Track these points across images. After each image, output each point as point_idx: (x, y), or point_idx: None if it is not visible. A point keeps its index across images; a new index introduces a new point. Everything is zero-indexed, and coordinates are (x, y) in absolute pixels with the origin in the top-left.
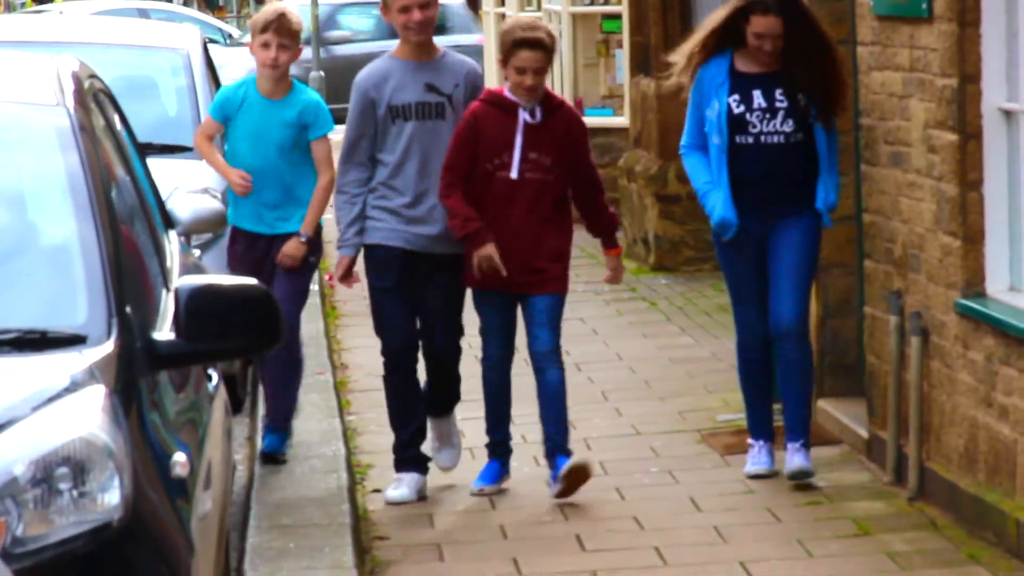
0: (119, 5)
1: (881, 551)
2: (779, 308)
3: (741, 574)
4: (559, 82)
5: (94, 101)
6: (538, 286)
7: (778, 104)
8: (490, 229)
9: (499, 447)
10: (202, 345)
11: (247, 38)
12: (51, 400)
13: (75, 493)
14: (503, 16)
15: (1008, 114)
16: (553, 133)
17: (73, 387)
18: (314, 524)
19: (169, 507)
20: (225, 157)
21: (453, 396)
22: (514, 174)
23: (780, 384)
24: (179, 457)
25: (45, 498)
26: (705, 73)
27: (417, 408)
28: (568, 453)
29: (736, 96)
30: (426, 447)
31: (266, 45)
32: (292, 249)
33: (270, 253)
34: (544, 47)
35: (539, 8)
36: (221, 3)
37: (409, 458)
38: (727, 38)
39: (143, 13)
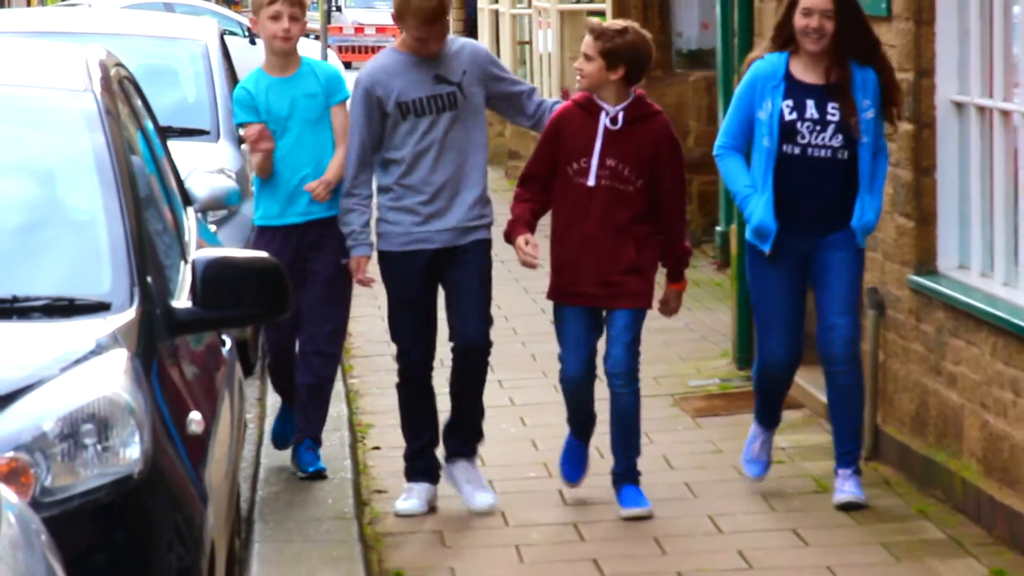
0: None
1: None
2: (831, 335)
3: (710, 527)
4: (548, 73)
5: (119, 87)
6: (612, 300)
7: (830, 117)
8: (561, 235)
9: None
10: (217, 312)
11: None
12: (77, 362)
13: (99, 447)
14: (496, 13)
15: (959, 106)
16: (637, 142)
17: (98, 350)
18: (319, 478)
19: (185, 461)
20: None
21: (476, 421)
22: (591, 181)
23: (832, 410)
24: (195, 415)
25: (71, 452)
26: (759, 72)
27: (430, 419)
28: (635, 481)
29: (789, 102)
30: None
31: (277, 16)
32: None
33: (301, 250)
34: (594, 33)
35: (529, 5)
36: None
37: (420, 468)
38: (789, 37)
39: (168, 7)
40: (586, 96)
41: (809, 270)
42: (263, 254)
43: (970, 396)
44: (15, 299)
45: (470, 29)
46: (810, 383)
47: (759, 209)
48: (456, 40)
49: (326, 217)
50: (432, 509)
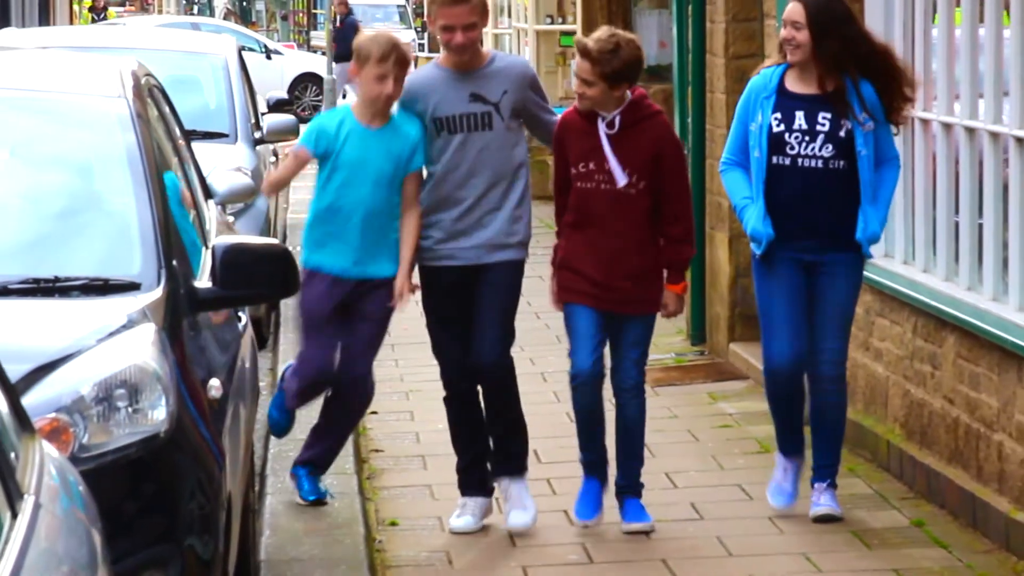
0: (176, 20)
1: None
2: (821, 356)
3: (667, 483)
4: None
5: (149, 94)
6: (618, 305)
7: (819, 127)
8: (567, 235)
9: (592, 467)
10: (233, 292)
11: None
12: (111, 335)
13: (130, 410)
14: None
15: None
16: (636, 144)
17: (129, 324)
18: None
19: (205, 422)
20: (317, 192)
21: (514, 439)
22: (621, 181)
23: (813, 423)
24: (214, 382)
25: (105, 413)
26: (753, 87)
27: (477, 432)
28: (637, 495)
29: (779, 115)
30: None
31: (383, 78)
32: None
33: (351, 298)
34: (590, 57)
35: (510, 26)
36: (253, 19)
37: (471, 482)
38: None
39: (195, 26)
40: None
41: (811, 283)
42: (273, 241)
43: (894, 369)
44: (56, 279)
45: None
46: (754, 356)
47: (752, 218)
48: (503, 57)
49: (380, 277)
50: (483, 527)
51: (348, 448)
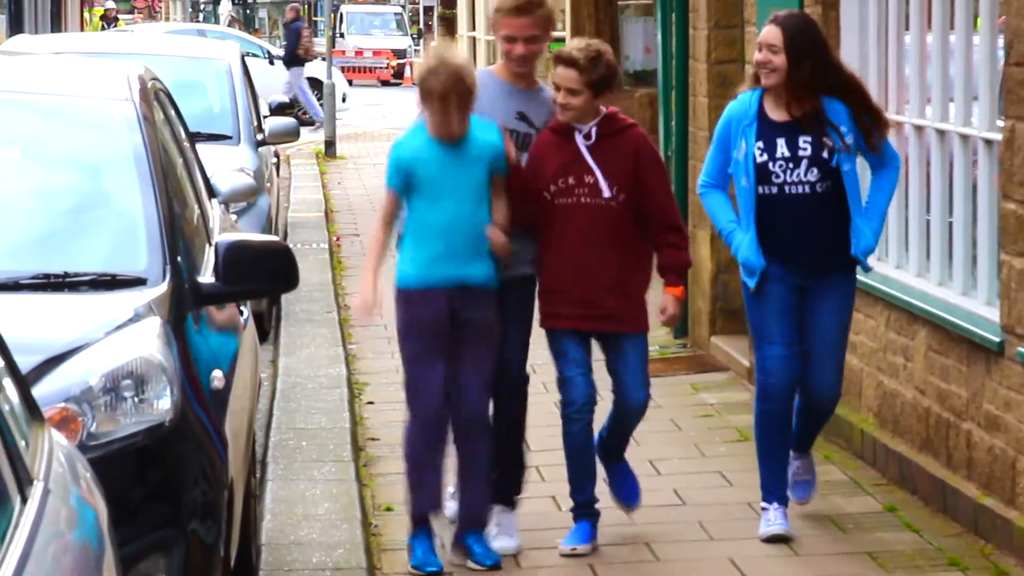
0: (184, 27)
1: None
2: (821, 380)
3: (651, 470)
4: None
5: (155, 98)
6: (603, 323)
7: (801, 152)
8: (545, 260)
9: (586, 509)
10: (236, 287)
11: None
12: (118, 328)
13: (136, 400)
14: (474, 39)
15: None
16: (614, 155)
17: (136, 318)
18: (321, 427)
19: (208, 412)
20: (409, 217)
21: (512, 471)
22: (606, 193)
23: (799, 430)
24: (217, 373)
25: (113, 403)
26: (732, 113)
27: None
28: (588, 516)
29: (760, 144)
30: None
31: (446, 115)
32: (494, 234)
33: (454, 311)
34: (577, 65)
35: None
36: (256, 27)
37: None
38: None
39: (201, 33)
40: (556, 122)
41: (802, 305)
42: (274, 238)
43: (868, 361)
44: (66, 275)
45: None
46: (734, 349)
47: (744, 247)
48: (547, 89)
49: (481, 285)
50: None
51: (345, 437)
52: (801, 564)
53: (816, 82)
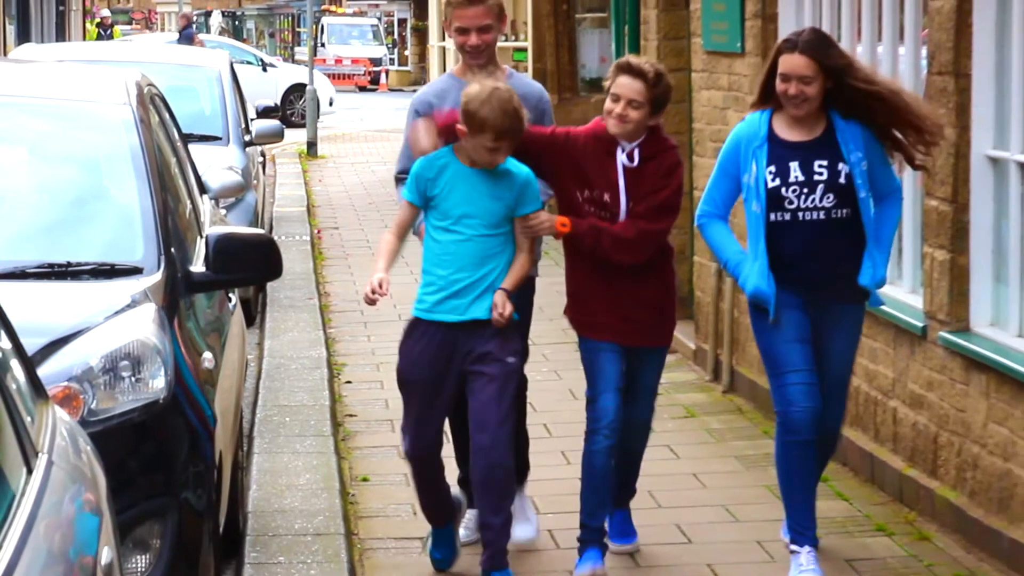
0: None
1: (703, 428)
2: (828, 414)
3: None
4: None
5: (151, 102)
6: (629, 337)
7: (816, 177)
8: (575, 262)
9: (597, 536)
10: (225, 275)
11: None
12: (117, 313)
13: (133, 379)
14: (444, 49)
15: None
16: (651, 180)
17: (132, 304)
18: (303, 404)
19: (200, 390)
20: (427, 237)
21: (524, 453)
22: (623, 218)
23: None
24: (207, 355)
25: (112, 382)
26: (741, 135)
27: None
28: (598, 542)
29: (772, 168)
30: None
31: (496, 152)
32: (500, 298)
33: (458, 346)
34: (645, 77)
35: None
36: (244, 36)
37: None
38: (771, 94)
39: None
40: (603, 129)
41: (809, 323)
42: (260, 231)
43: None
44: (68, 264)
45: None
46: (681, 333)
47: (753, 276)
48: (521, 78)
49: (485, 320)
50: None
51: (325, 414)
52: (737, 528)
53: (841, 103)
